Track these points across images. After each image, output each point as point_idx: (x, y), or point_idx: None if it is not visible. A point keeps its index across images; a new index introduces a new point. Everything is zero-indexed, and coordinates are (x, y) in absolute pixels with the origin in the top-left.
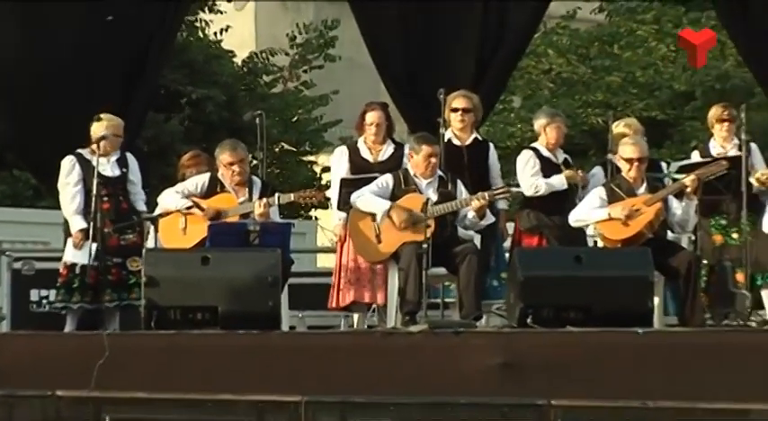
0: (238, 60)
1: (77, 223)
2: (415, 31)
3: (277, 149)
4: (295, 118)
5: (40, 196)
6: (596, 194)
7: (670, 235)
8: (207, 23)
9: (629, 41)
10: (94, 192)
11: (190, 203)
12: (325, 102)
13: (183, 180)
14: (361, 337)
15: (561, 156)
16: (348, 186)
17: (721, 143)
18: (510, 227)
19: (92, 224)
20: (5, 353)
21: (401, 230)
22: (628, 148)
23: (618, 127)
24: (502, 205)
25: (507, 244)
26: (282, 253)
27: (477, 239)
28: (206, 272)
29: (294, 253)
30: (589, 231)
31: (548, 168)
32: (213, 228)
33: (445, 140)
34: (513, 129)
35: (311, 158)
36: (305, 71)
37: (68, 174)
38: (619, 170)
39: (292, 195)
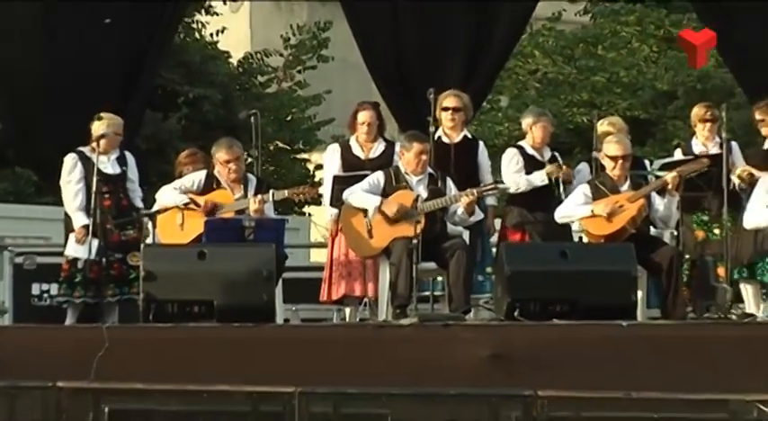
0: (234, 61)
1: (80, 219)
2: (405, 33)
3: (272, 147)
4: (289, 117)
5: (42, 193)
6: (581, 191)
7: (653, 230)
8: (203, 25)
9: (613, 43)
10: (94, 189)
11: (187, 200)
12: (319, 101)
13: (181, 177)
14: (354, 330)
15: (548, 154)
16: (340, 183)
17: (703, 142)
18: (498, 223)
19: (92, 220)
20: (7, 346)
21: (394, 223)
22: (612, 147)
23: (602, 125)
24: (490, 201)
25: (495, 239)
26: (277, 248)
27: (466, 235)
28: (202, 266)
29: (288, 248)
30: (574, 227)
31: (532, 166)
32: (209, 224)
33: (435, 138)
34: (500, 127)
35: (305, 156)
36: (299, 71)
37: (71, 172)
38: (603, 168)
39: (286, 192)
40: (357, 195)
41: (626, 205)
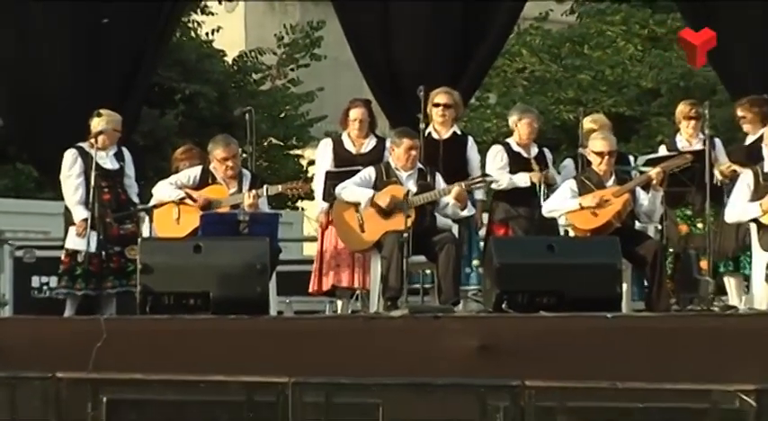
0: (229, 59)
1: (80, 213)
2: (396, 32)
3: (265, 143)
4: (282, 114)
5: (42, 188)
6: (567, 186)
7: (637, 224)
8: (199, 24)
9: (599, 42)
10: (93, 183)
11: (183, 194)
12: (311, 98)
13: (177, 172)
14: (346, 322)
15: (534, 151)
16: (333, 179)
17: (687, 138)
18: (486, 217)
19: (91, 214)
20: (8, 337)
21: (385, 217)
22: (598, 143)
23: (586, 122)
24: (479, 196)
25: (483, 233)
26: (271, 241)
27: (455, 228)
28: (198, 259)
29: (282, 241)
30: (560, 221)
31: (518, 162)
32: (205, 218)
33: (425, 135)
34: (488, 124)
35: (298, 152)
36: (292, 69)
37: (71, 167)
38: (589, 163)
39: (280, 187)
40: (350, 190)
41: (611, 200)
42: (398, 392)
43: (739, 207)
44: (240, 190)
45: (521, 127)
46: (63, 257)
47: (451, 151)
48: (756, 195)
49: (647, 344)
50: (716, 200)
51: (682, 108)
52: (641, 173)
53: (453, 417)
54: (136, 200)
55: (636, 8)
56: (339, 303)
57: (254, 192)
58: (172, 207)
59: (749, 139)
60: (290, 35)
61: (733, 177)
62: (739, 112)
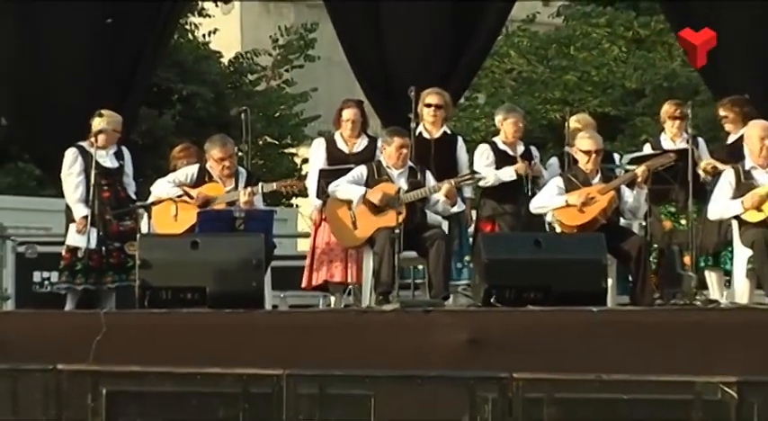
0: (225, 60)
1: (80, 210)
2: (387, 34)
3: (261, 142)
4: (277, 113)
5: (43, 186)
6: (554, 184)
7: (622, 221)
8: (196, 26)
9: (585, 43)
10: (93, 181)
11: (180, 192)
12: (305, 99)
13: (175, 170)
14: (339, 315)
15: (521, 149)
16: (326, 177)
17: (671, 137)
18: (474, 214)
19: (91, 211)
20: (10, 330)
21: (377, 213)
22: (585, 141)
23: (572, 122)
24: (468, 193)
25: (472, 229)
26: (266, 238)
27: (445, 225)
28: (195, 255)
29: (276, 237)
30: (547, 218)
31: (504, 160)
32: (202, 215)
33: (416, 134)
34: (477, 123)
35: (292, 151)
36: (286, 70)
37: (71, 165)
38: (575, 161)
39: (275, 184)
40: (343, 187)
41: (597, 197)
42: (390, 384)
43: (721, 204)
44: (236, 187)
45: (506, 126)
46: (64, 253)
47: (442, 150)
48: (738, 193)
49: (632, 337)
50: (699, 197)
51: (667, 108)
52: (626, 171)
53: (443, 409)
54: (134, 197)
55: (620, 11)
56: (332, 298)
57: (249, 189)
58: (170, 204)
59: (731, 138)
60: (285, 37)
61: (715, 175)
62: (721, 112)
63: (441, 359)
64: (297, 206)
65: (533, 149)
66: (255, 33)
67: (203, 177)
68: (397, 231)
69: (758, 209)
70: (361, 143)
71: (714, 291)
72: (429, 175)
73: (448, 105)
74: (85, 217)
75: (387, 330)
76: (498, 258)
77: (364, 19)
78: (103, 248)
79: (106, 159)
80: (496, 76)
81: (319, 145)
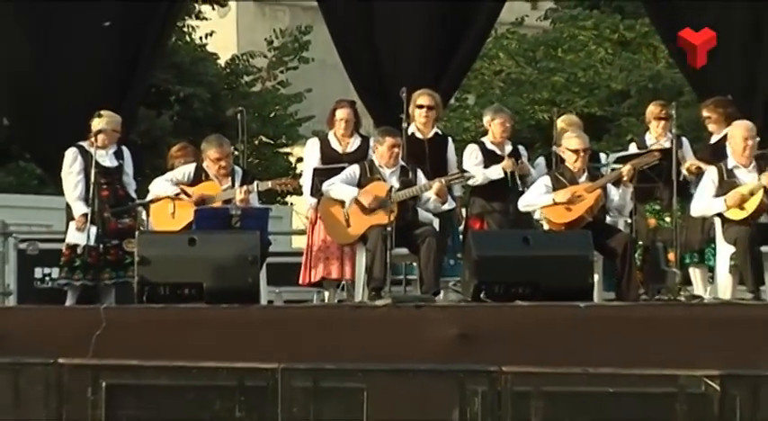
0: (221, 62)
1: (80, 208)
2: (380, 37)
3: (256, 142)
4: (272, 114)
5: (44, 185)
6: (542, 183)
7: (608, 219)
8: (193, 29)
9: (572, 45)
10: (93, 180)
11: (178, 190)
12: (300, 99)
13: (173, 169)
14: (332, 311)
15: (508, 148)
16: (320, 175)
17: (656, 137)
18: (464, 212)
19: (91, 209)
20: (12, 325)
21: (370, 212)
22: (573, 141)
23: (559, 122)
24: (457, 192)
25: (462, 227)
26: (261, 235)
27: (436, 222)
28: (192, 252)
29: (272, 235)
30: (535, 216)
31: (492, 160)
32: (199, 213)
33: (408, 134)
34: (467, 124)
35: (287, 150)
36: (281, 72)
37: (71, 164)
38: (562, 160)
39: (270, 183)
40: (336, 187)
41: (584, 195)
42: (382, 378)
43: (705, 202)
44: (232, 186)
45: (494, 126)
46: (64, 250)
47: (435, 150)
48: (721, 191)
49: (618, 332)
50: (682, 195)
51: (652, 109)
52: (612, 170)
53: (434, 402)
54: (133, 196)
55: (606, 14)
56: (326, 293)
57: (245, 187)
58: (168, 202)
59: (714, 138)
60: (280, 39)
61: (698, 174)
62: (705, 113)
63: (432, 353)
64: (291, 204)
65: (521, 149)
66: (251, 36)
67: (200, 176)
68: (389, 228)
69: (740, 207)
70: (354, 143)
71: (698, 286)
72: (420, 174)
73: (438, 106)
74: (85, 215)
75: (379, 325)
76: (488, 255)
77: (358, 22)
78: (101, 245)
79: (105, 159)
80: (486, 78)
81: (313, 144)
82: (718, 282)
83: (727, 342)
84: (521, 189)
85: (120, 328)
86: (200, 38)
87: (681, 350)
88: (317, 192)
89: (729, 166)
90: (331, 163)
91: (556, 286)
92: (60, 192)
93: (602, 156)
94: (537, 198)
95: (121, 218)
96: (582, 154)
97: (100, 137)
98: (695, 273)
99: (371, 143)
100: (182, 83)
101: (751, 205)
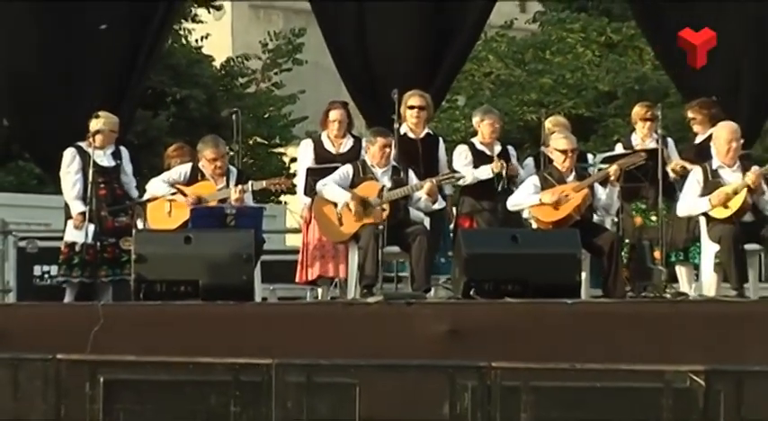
0: (217, 64)
1: (77, 207)
2: (372, 40)
3: (251, 142)
4: (266, 115)
5: (43, 184)
6: (531, 182)
7: (595, 217)
8: (189, 32)
9: (560, 48)
10: (90, 179)
11: (174, 191)
12: (293, 101)
13: (169, 169)
14: (325, 307)
15: (497, 149)
16: (314, 175)
17: (642, 137)
18: (455, 210)
19: (88, 208)
20: (12, 321)
21: (357, 219)
22: (561, 141)
23: (547, 123)
24: (448, 191)
25: (452, 226)
26: (255, 233)
27: (427, 221)
28: (188, 250)
29: (266, 233)
30: (524, 215)
31: (482, 160)
32: (195, 212)
33: (400, 134)
34: (457, 124)
35: (281, 150)
36: (275, 73)
37: (69, 164)
38: (550, 161)
39: (264, 182)
40: (329, 188)
41: (571, 194)
42: (374, 373)
43: (690, 202)
44: (227, 185)
45: (483, 127)
46: (62, 248)
47: (427, 150)
48: (706, 190)
49: (605, 328)
50: (668, 194)
51: (638, 110)
52: (599, 170)
53: (425, 396)
54: (135, 194)
55: (593, 17)
56: (319, 290)
57: (240, 187)
58: (164, 201)
59: (699, 139)
60: (274, 42)
61: (684, 174)
62: (689, 114)
63: (422, 349)
64: (285, 203)
65: (510, 149)
66: (246, 38)
67: (196, 176)
68: (380, 227)
69: (725, 206)
70: (347, 143)
71: (683, 284)
72: (411, 174)
73: (429, 107)
74: (82, 213)
75: (371, 321)
76: (477, 253)
77: (350, 25)
78: (99, 243)
79: (103, 159)
80: (476, 79)
81: (307, 145)
82: (702, 279)
83: (711, 338)
84: (509, 190)
85: (117, 325)
86: (196, 40)
87: (666, 346)
88: (310, 191)
89: (714, 166)
90: (324, 163)
91: (544, 283)
92: (59, 192)
93: (590, 156)
94: (525, 198)
95: (118, 216)
96: (570, 154)
97: (97, 137)
98: (681, 271)
99: (364, 143)
100: (178, 84)
101: (735, 204)
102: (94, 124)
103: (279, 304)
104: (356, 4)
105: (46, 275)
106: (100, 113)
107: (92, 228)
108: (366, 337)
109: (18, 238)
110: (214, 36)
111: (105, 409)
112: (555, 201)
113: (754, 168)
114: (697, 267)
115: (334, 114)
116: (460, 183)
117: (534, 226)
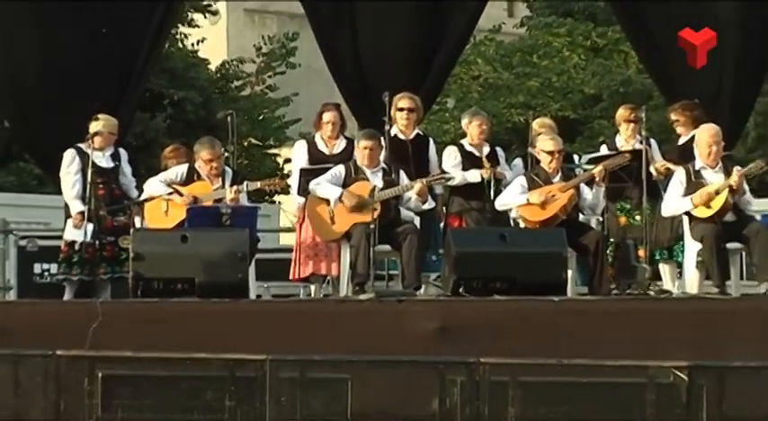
0: (212, 67)
1: (77, 206)
2: (364, 44)
3: (246, 143)
4: (261, 117)
5: (43, 185)
6: (518, 182)
7: (581, 217)
8: (185, 36)
9: (546, 52)
10: (90, 179)
11: (171, 190)
12: (287, 103)
13: (166, 170)
14: (318, 304)
15: (486, 150)
16: (307, 175)
17: (626, 139)
18: (444, 210)
19: (87, 207)
20: (12, 318)
21: (351, 213)
22: (548, 143)
23: (534, 125)
24: (438, 190)
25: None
26: (250, 232)
27: (417, 220)
28: (185, 248)
29: (260, 232)
30: (512, 214)
31: (471, 161)
32: (191, 211)
33: (391, 136)
34: (447, 126)
35: (275, 151)
36: (269, 76)
37: (69, 165)
38: (538, 161)
39: (259, 183)
40: (321, 187)
41: (558, 194)
42: (366, 368)
43: (674, 201)
44: (223, 186)
45: (471, 129)
46: (62, 246)
47: (417, 151)
48: (688, 191)
49: (590, 324)
50: (652, 194)
51: (622, 112)
52: (585, 170)
53: (415, 391)
54: (134, 194)
55: (579, 22)
56: (312, 287)
57: (235, 187)
58: (161, 201)
59: (682, 140)
60: (268, 45)
61: (667, 174)
62: (673, 116)
63: (413, 345)
64: (279, 203)
65: (499, 150)
66: (241, 42)
67: (192, 176)
68: (372, 226)
69: (707, 205)
70: (339, 144)
71: (667, 281)
72: (402, 174)
73: (419, 109)
74: (82, 213)
75: (363, 318)
76: (466, 251)
77: (342, 30)
78: (98, 242)
79: (102, 160)
80: (464, 82)
81: (301, 146)
82: (685, 277)
83: (694, 334)
84: (496, 192)
85: (115, 321)
86: (192, 44)
87: (650, 342)
88: (304, 191)
89: (697, 167)
90: (318, 164)
91: (531, 281)
92: (59, 192)
93: (576, 157)
94: (513, 198)
95: (117, 216)
96: (556, 155)
97: (96, 139)
98: (664, 269)
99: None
100: (175, 87)
101: (717, 204)
102: (94, 126)
103: (273, 301)
104: (349, 6)
105: (46, 273)
106: (99, 116)
107: (91, 227)
108: (358, 334)
109: (18, 237)
110: (210, 40)
111: (104, 404)
112: (542, 201)
113: (737, 169)
114: (680, 265)
115: (328, 116)
116: (450, 183)
117: (522, 225)
